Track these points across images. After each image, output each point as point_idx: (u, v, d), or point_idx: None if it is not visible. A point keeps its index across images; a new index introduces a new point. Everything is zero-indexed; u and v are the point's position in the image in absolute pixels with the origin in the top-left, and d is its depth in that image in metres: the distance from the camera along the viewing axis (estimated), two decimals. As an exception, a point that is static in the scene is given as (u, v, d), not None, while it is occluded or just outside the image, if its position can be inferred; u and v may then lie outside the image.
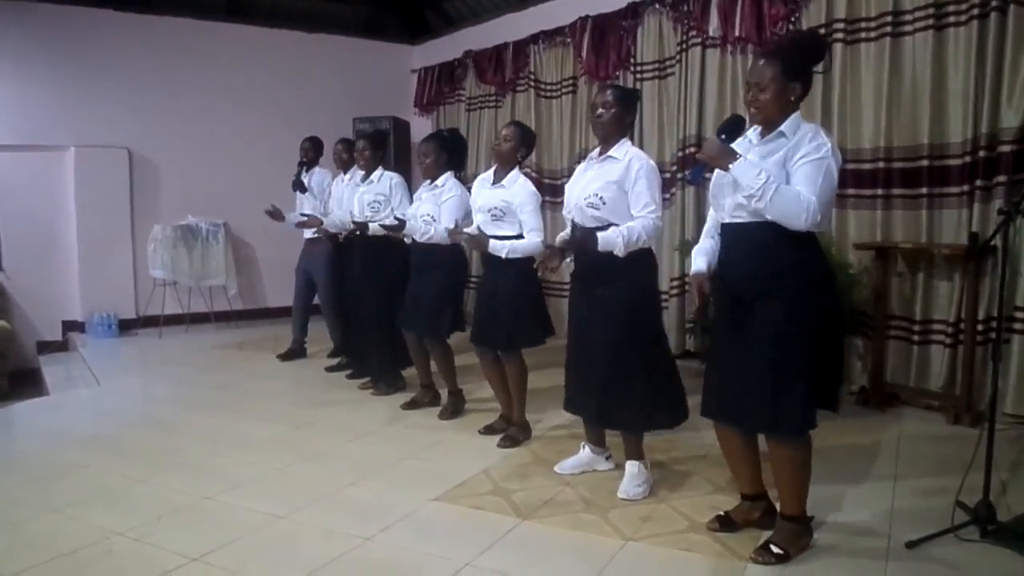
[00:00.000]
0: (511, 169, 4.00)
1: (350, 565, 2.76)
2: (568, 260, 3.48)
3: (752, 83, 2.66)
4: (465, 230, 4.04)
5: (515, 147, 3.99)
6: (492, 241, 3.91)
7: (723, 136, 2.67)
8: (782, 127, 2.62)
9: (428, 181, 4.56)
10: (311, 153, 6.29)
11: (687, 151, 5.92)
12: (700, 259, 2.89)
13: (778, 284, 2.59)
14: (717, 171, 2.69)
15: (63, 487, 3.55)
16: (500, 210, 3.92)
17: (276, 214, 6.10)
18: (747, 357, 2.66)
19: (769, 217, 2.53)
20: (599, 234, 3.18)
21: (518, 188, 3.94)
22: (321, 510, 3.25)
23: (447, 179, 4.48)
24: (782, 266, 2.59)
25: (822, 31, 4.99)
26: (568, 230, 3.52)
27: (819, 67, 2.75)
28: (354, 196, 5.24)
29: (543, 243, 3.85)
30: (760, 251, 2.63)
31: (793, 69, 2.61)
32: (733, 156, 2.58)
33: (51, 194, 7.49)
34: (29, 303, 7.47)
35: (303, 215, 6.05)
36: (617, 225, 3.22)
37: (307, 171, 6.28)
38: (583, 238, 3.24)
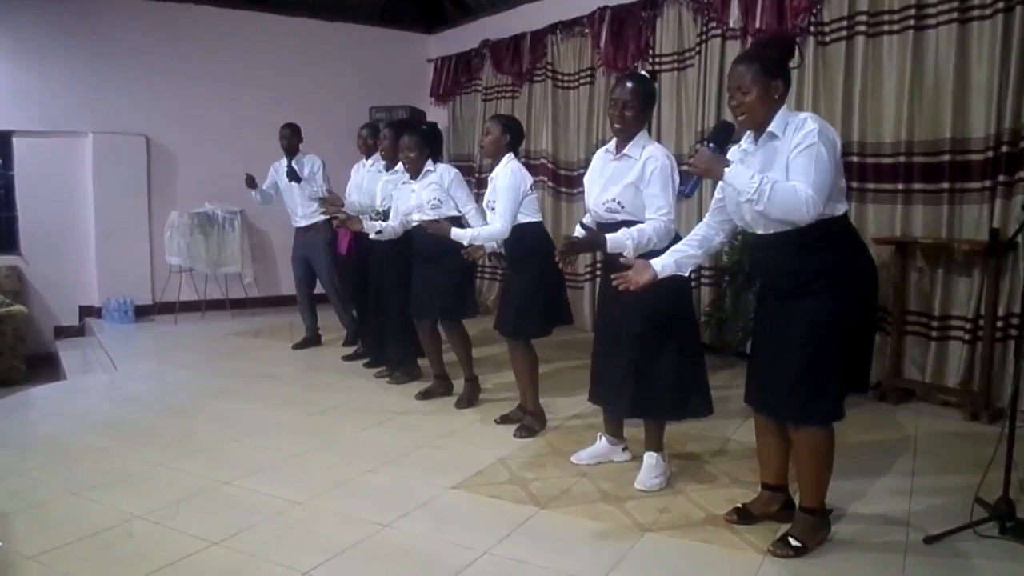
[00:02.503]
0: (499, 161, 4.05)
1: (369, 551, 2.78)
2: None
3: (734, 88, 2.64)
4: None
5: (497, 139, 4.02)
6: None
7: (712, 144, 2.63)
8: (771, 127, 2.59)
9: (409, 175, 4.61)
10: (292, 140, 6.22)
11: (705, 144, 5.89)
12: (666, 257, 2.81)
13: (817, 281, 2.58)
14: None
15: (83, 470, 3.58)
16: (493, 201, 3.97)
17: (250, 181, 6.21)
18: (784, 349, 2.66)
19: (771, 217, 2.52)
20: (608, 236, 3.13)
21: (497, 172, 4.00)
22: (339, 496, 3.27)
23: (438, 166, 4.55)
24: (816, 266, 2.57)
25: (844, 23, 4.96)
26: (578, 227, 3.50)
27: (792, 63, 2.72)
28: (376, 184, 5.29)
29: (504, 229, 3.89)
30: (792, 257, 2.61)
31: (772, 67, 2.60)
32: (725, 164, 2.55)
33: (69, 180, 7.55)
34: (46, 288, 7.54)
35: (322, 197, 5.91)
36: (638, 221, 3.20)
37: (292, 159, 6.19)
38: (591, 240, 3.19)
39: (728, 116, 5.52)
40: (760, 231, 2.67)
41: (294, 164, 6.17)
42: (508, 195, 3.90)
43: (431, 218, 4.41)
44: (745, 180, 2.48)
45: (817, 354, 2.59)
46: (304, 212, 6.15)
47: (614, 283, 2.78)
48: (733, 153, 2.72)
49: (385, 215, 5.03)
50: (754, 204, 2.49)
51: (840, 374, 2.61)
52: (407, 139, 4.54)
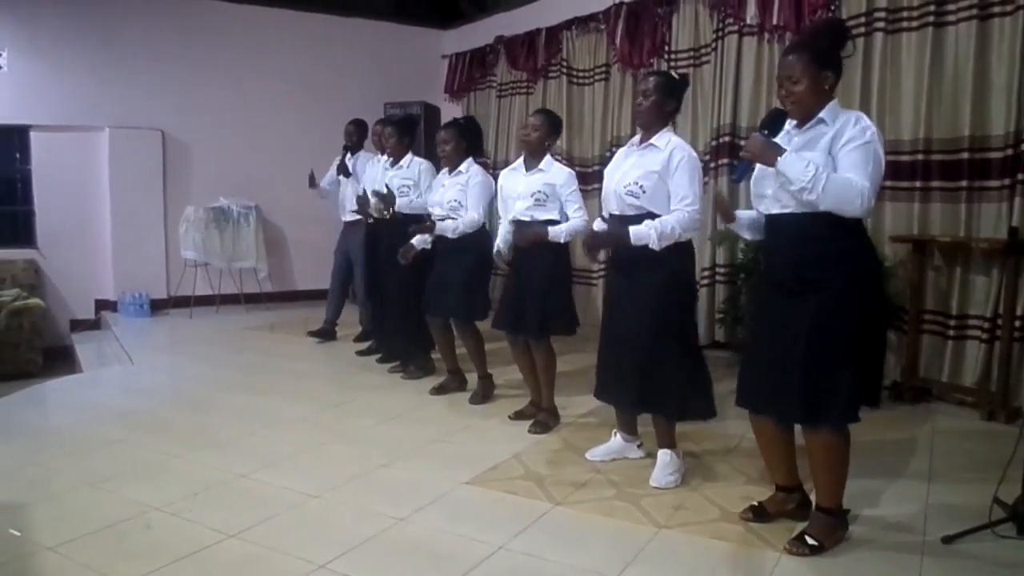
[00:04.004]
0: (542, 156, 4.03)
1: (385, 544, 2.79)
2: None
3: (784, 77, 2.64)
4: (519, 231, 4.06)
5: (544, 136, 4.02)
6: (550, 229, 3.91)
7: (766, 132, 2.66)
8: (821, 114, 2.60)
9: (447, 169, 4.59)
10: (355, 137, 6.29)
11: (721, 140, 5.88)
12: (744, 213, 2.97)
13: (822, 274, 2.58)
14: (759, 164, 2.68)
15: (100, 462, 3.60)
16: (544, 194, 3.94)
17: (311, 180, 6.39)
18: (789, 347, 2.64)
19: (823, 208, 2.51)
20: (631, 228, 3.16)
21: (558, 170, 4.00)
22: (354, 490, 3.28)
23: (470, 165, 4.53)
24: (827, 255, 2.58)
25: (863, 20, 4.92)
26: (599, 221, 3.51)
27: (844, 52, 2.72)
28: (383, 180, 5.28)
29: (585, 220, 3.93)
30: (804, 241, 2.61)
31: (823, 57, 2.61)
32: (779, 151, 2.56)
33: (86, 174, 7.59)
34: (63, 281, 7.59)
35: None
36: (655, 214, 3.20)
37: (352, 155, 6.27)
38: (615, 233, 3.21)
39: (753, 109, 5.56)
40: (776, 210, 2.68)
41: (348, 160, 6.22)
42: (576, 190, 3.98)
43: (453, 228, 4.42)
44: (800, 168, 2.49)
45: (825, 353, 2.58)
46: (351, 207, 6.14)
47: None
48: (780, 138, 2.71)
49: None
50: (807, 193, 2.49)
51: (849, 372, 2.57)
52: (441, 133, 4.56)
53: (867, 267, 2.63)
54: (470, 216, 4.38)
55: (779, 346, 2.70)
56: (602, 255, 3.66)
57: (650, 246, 3.15)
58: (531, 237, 3.95)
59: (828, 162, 2.53)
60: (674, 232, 3.16)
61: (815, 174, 2.46)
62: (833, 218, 2.52)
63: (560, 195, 3.94)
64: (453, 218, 4.41)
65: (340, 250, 6.42)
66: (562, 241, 3.93)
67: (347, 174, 6.20)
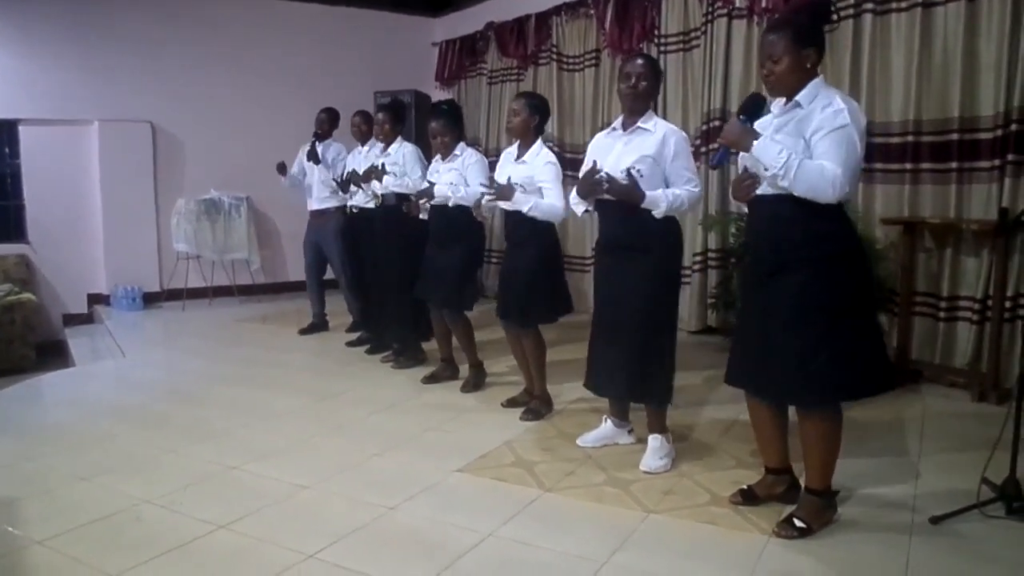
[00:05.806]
0: (532, 142, 4.00)
1: (375, 534, 2.80)
2: (591, 209, 3.47)
3: (765, 57, 2.63)
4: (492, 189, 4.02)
5: (526, 120, 3.97)
6: (517, 193, 3.88)
7: (743, 117, 2.66)
8: (798, 97, 2.59)
9: (440, 155, 4.57)
10: (326, 125, 6.26)
11: (711, 124, 5.86)
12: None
13: (797, 255, 2.58)
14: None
15: (92, 456, 3.61)
16: (522, 186, 3.92)
17: (281, 168, 6.28)
18: (771, 328, 2.65)
19: (797, 194, 2.51)
20: (648, 193, 3.17)
21: (538, 162, 3.94)
22: (346, 480, 3.29)
23: (463, 148, 4.53)
24: (802, 238, 2.58)
25: (852, 1, 4.90)
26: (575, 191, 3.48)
27: (827, 27, 2.70)
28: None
29: (564, 209, 3.86)
30: (780, 223, 2.62)
31: (804, 35, 2.59)
32: (753, 136, 2.57)
33: (76, 168, 7.54)
34: (55, 276, 7.56)
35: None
36: None
37: (321, 143, 6.23)
38: (630, 187, 3.18)
39: (743, 93, 5.52)
40: (758, 192, 2.67)
41: (318, 146, 6.18)
42: (554, 181, 3.89)
43: (456, 194, 4.37)
44: (772, 155, 2.50)
45: (802, 334, 2.59)
46: (318, 195, 6.17)
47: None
48: (763, 119, 2.71)
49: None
50: (779, 179, 2.50)
51: (829, 356, 2.56)
52: (437, 125, 4.49)
53: (845, 249, 2.62)
54: (476, 189, 4.30)
55: (761, 326, 2.71)
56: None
57: (654, 213, 3.18)
58: (501, 192, 3.91)
59: (797, 145, 2.52)
60: (683, 206, 3.25)
61: (787, 161, 2.46)
62: (809, 201, 2.52)
63: (538, 188, 3.89)
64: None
65: (309, 242, 6.37)
66: (525, 211, 3.86)
67: (316, 160, 6.14)
